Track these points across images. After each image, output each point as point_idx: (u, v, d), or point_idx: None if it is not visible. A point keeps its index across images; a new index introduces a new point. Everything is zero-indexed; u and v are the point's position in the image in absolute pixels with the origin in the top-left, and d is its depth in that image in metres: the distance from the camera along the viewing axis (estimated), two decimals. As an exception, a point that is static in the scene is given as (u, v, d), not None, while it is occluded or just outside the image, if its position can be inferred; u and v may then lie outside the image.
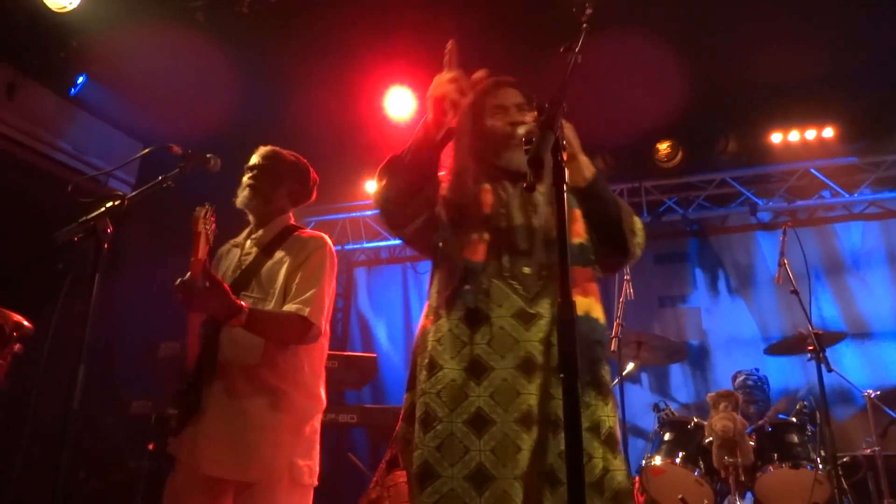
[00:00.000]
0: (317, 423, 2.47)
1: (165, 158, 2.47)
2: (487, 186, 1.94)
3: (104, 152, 5.22)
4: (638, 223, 1.99)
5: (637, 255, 1.98)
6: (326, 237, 2.60)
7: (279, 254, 2.49)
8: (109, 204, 2.08)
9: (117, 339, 5.06)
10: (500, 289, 1.78)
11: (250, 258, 2.51)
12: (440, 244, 1.91)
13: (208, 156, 2.51)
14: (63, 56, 4.54)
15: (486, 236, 1.84)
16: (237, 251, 2.60)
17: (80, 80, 4.78)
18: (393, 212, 1.94)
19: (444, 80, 1.87)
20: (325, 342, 2.55)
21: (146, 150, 2.52)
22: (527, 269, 1.81)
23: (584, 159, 1.91)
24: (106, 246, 2.03)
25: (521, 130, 1.93)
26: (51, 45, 4.47)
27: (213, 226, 2.27)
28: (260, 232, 2.59)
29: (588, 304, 1.80)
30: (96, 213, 2.06)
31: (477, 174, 1.96)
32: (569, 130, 1.80)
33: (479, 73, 1.99)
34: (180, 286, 2.10)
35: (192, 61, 4.50)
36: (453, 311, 1.79)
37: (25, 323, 2.74)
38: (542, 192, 1.92)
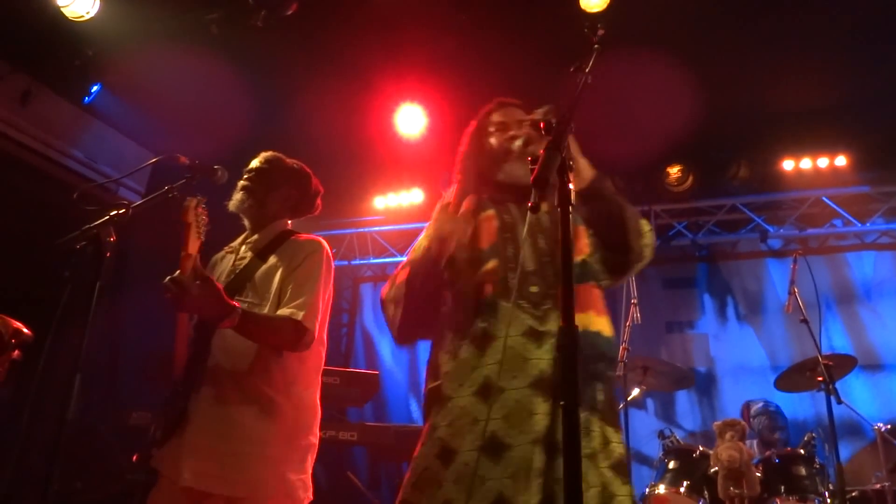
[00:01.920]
0: (313, 436, 2.38)
1: (176, 168, 2.46)
2: (491, 212, 1.93)
3: (115, 161, 5.25)
4: (645, 225, 1.92)
5: (645, 255, 1.90)
6: (323, 241, 2.53)
7: (274, 258, 2.42)
8: (113, 213, 2.06)
9: (121, 349, 5.05)
10: (507, 309, 1.74)
11: (245, 262, 2.44)
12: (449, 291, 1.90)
13: (216, 167, 2.49)
14: (78, 64, 4.57)
15: (493, 264, 1.82)
16: (231, 256, 2.53)
17: (94, 88, 4.81)
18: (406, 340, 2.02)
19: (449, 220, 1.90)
20: (321, 350, 2.47)
21: (153, 160, 2.51)
22: (534, 288, 1.77)
23: (582, 162, 1.87)
24: (108, 255, 2.01)
25: (518, 143, 1.93)
26: (67, 53, 4.51)
27: (206, 219, 2.21)
28: (255, 236, 2.52)
29: (586, 319, 1.73)
30: (99, 221, 2.04)
31: (480, 200, 1.96)
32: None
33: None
34: (170, 283, 2.02)
35: (206, 73, 4.53)
36: (463, 341, 1.77)
37: (25, 330, 2.73)
38: (546, 212, 1.90)
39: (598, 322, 1.76)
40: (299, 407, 2.34)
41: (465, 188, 2.02)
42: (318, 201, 2.72)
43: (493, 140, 2.03)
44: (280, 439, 2.25)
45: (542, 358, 1.68)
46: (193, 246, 2.13)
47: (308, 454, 2.35)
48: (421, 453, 1.71)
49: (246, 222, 2.58)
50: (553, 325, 1.72)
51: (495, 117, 2.08)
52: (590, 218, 1.87)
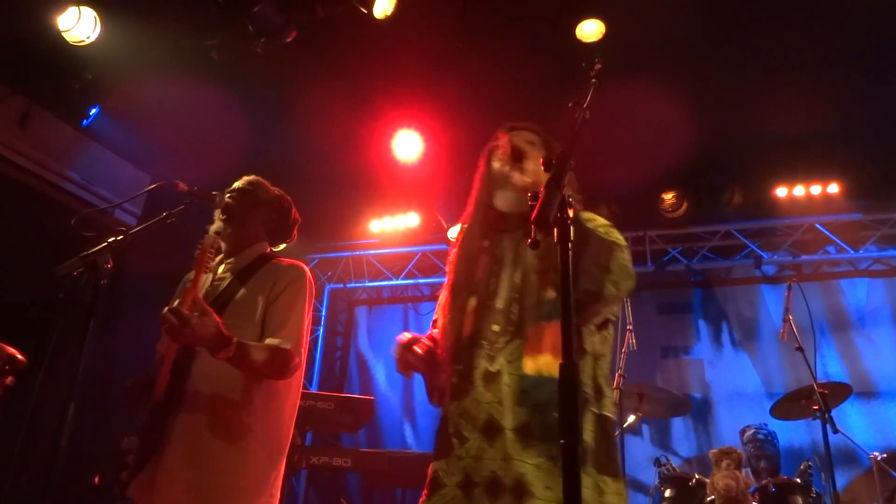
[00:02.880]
0: (282, 466, 2.35)
1: (173, 193, 2.46)
2: (487, 244, 1.92)
3: (113, 183, 5.26)
4: (619, 259, 1.71)
5: (611, 293, 1.68)
6: (305, 266, 2.52)
7: (255, 281, 2.41)
8: (111, 239, 2.07)
9: (114, 373, 5.01)
10: (476, 352, 1.77)
11: (224, 284, 2.42)
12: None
13: (213, 193, 2.50)
14: (77, 88, 4.59)
15: (473, 303, 1.83)
16: (208, 277, 2.49)
17: (93, 111, 4.84)
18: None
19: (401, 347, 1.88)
20: (300, 382, 2.47)
21: (152, 186, 2.52)
22: (496, 327, 1.77)
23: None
24: (105, 281, 2.01)
25: (517, 177, 1.88)
26: (66, 77, 4.53)
27: (214, 255, 2.25)
28: (233, 259, 2.50)
29: (541, 363, 1.66)
30: (97, 248, 2.04)
31: (484, 227, 1.95)
32: (531, 155, 1.80)
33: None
34: (168, 314, 2.01)
35: (204, 98, 4.56)
36: (451, 385, 1.80)
37: (19, 356, 2.71)
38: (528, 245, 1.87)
39: (549, 365, 1.66)
40: (274, 438, 2.32)
41: (475, 214, 1.99)
42: (296, 231, 2.72)
43: (495, 164, 1.98)
44: (253, 470, 2.23)
45: (492, 401, 1.69)
46: (199, 280, 2.14)
47: (276, 486, 2.33)
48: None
49: (223, 244, 2.56)
50: (500, 364, 1.71)
51: (501, 141, 2.03)
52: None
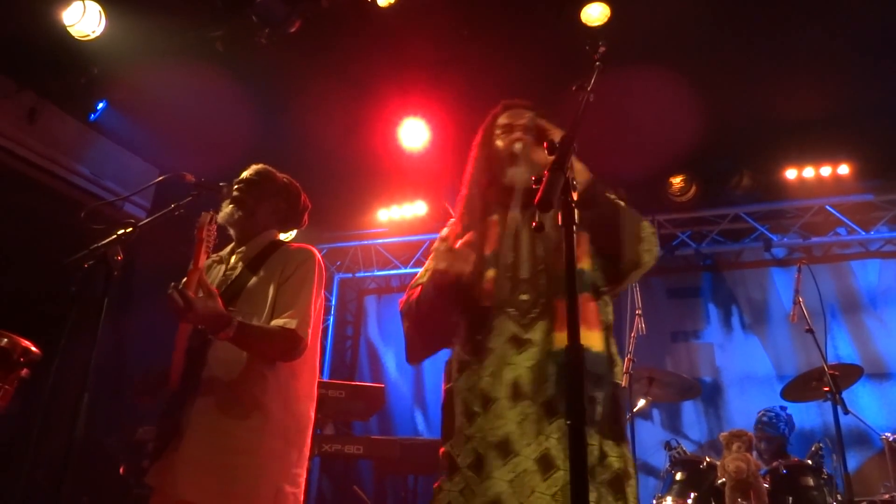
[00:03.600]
0: (306, 448, 2.37)
1: (181, 184, 2.48)
2: (496, 218, 1.96)
3: (121, 177, 5.29)
4: (646, 229, 1.87)
5: (643, 261, 1.85)
6: (314, 249, 2.53)
7: (265, 269, 2.44)
8: (120, 231, 2.09)
9: (127, 364, 5.06)
10: (499, 320, 1.79)
11: (235, 273, 2.45)
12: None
13: (221, 184, 2.52)
14: (84, 82, 4.62)
15: (491, 273, 1.84)
16: (221, 267, 2.54)
17: (100, 105, 4.86)
18: (414, 360, 2.01)
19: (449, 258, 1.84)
20: (315, 361, 2.48)
21: (160, 179, 2.53)
22: (524, 297, 1.79)
23: (578, 166, 1.81)
24: (116, 273, 2.04)
25: (518, 146, 1.94)
26: (73, 71, 4.55)
27: (214, 234, 2.27)
28: (243, 248, 2.53)
29: (585, 336, 1.65)
30: (107, 240, 2.07)
31: (487, 202, 1.99)
32: (557, 135, 1.79)
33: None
34: (174, 293, 2.04)
35: (210, 90, 4.57)
36: (466, 355, 1.81)
37: (33, 348, 2.74)
38: (550, 218, 1.90)
39: (590, 337, 1.72)
40: (294, 418, 2.34)
41: (472, 194, 2.04)
42: (306, 216, 2.74)
43: (499, 143, 2.04)
44: (275, 451, 2.25)
45: (521, 364, 1.71)
46: (201, 260, 2.17)
47: (301, 467, 2.34)
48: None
49: (233, 233, 2.59)
50: (537, 334, 1.73)
51: (501, 120, 2.10)
52: (582, 224, 1.78)
